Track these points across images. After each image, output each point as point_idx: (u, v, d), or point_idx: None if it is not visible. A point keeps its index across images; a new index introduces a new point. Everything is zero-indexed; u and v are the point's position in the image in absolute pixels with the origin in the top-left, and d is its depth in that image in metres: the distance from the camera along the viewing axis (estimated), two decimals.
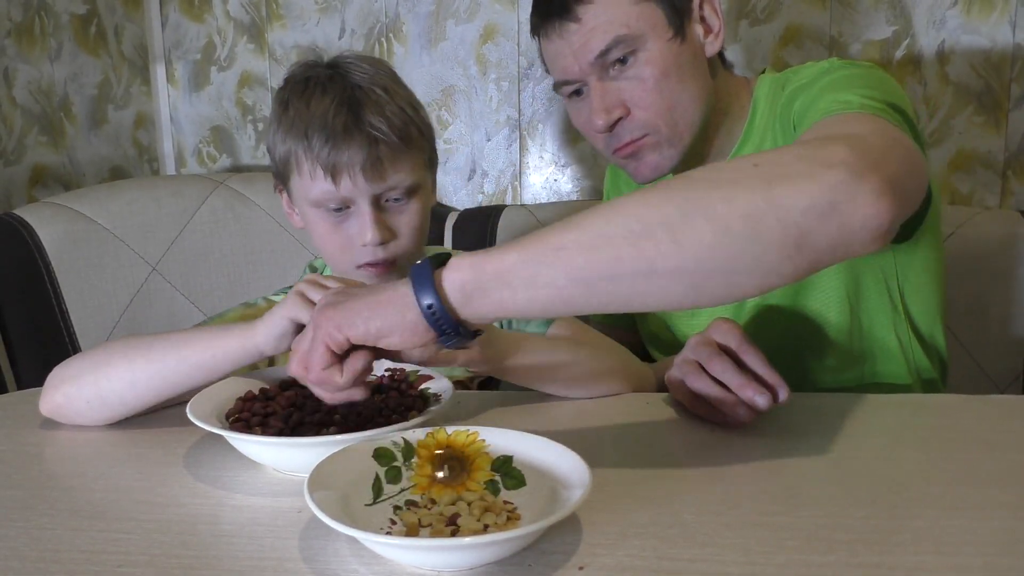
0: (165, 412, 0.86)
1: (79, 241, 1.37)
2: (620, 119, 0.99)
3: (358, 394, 0.68)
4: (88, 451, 0.79)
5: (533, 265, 0.61)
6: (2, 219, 1.34)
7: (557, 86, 1.03)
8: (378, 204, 0.92)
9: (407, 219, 0.94)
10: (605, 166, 1.65)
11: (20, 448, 0.80)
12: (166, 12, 1.75)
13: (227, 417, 0.77)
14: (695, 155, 1.04)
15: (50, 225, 1.35)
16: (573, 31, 0.97)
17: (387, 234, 0.93)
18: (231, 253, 1.50)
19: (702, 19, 1.01)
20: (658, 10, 0.97)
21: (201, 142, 1.80)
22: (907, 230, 0.91)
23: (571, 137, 1.65)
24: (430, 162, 0.99)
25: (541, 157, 1.68)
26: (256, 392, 0.81)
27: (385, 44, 1.68)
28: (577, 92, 1.02)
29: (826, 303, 1.00)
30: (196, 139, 1.80)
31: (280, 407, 0.77)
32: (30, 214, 1.35)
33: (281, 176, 0.97)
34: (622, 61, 0.97)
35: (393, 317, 0.64)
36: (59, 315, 1.34)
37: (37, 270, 1.33)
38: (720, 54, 1.06)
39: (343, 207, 0.92)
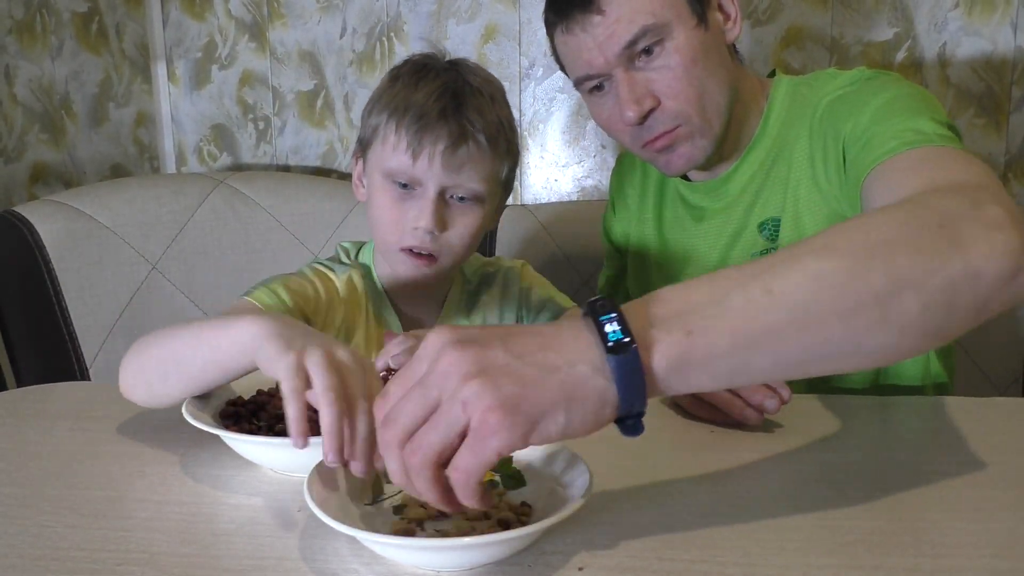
0: (163, 411, 0.86)
1: (79, 239, 1.37)
2: (651, 110, 0.97)
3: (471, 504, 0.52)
4: (88, 450, 0.79)
5: (745, 354, 0.53)
6: (2, 216, 1.34)
7: (579, 82, 1.01)
8: (443, 196, 0.93)
9: (463, 221, 0.95)
10: (605, 167, 1.65)
11: (20, 446, 0.80)
12: (167, 10, 1.75)
13: (221, 416, 0.77)
14: (718, 146, 1.03)
15: (50, 223, 1.35)
16: (597, 23, 0.95)
17: (441, 225, 0.93)
18: (231, 252, 1.50)
19: (719, 6, 1.01)
20: None
21: (202, 140, 1.80)
22: None
23: (572, 137, 1.65)
24: (505, 183, 1.00)
25: (542, 157, 1.68)
26: (247, 397, 0.81)
27: (386, 43, 1.68)
28: (599, 87, 1.00)
29: None
30: (197, 137, 1.80)
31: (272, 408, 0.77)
32: (30, 212, 1.35)
33: (364, 144, 0.98)
34: (647, 51, 0.95)
35: (590, 418, 0.51)
36: (59, 313, 1.34)
37: (37, 268, 1.33)
38: (733, 48, 1.06)
39: (411, 185, 0.93)
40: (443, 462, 0.50)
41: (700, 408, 0.82)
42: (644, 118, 0.97)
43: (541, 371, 0.50)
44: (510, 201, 1.68)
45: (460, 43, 1.65)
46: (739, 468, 0.73)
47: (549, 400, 0.49)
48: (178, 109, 1.79)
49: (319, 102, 1.73)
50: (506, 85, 1.64)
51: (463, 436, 0.49)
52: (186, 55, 1.77)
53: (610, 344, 0.50)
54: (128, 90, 1.71)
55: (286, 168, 1.77)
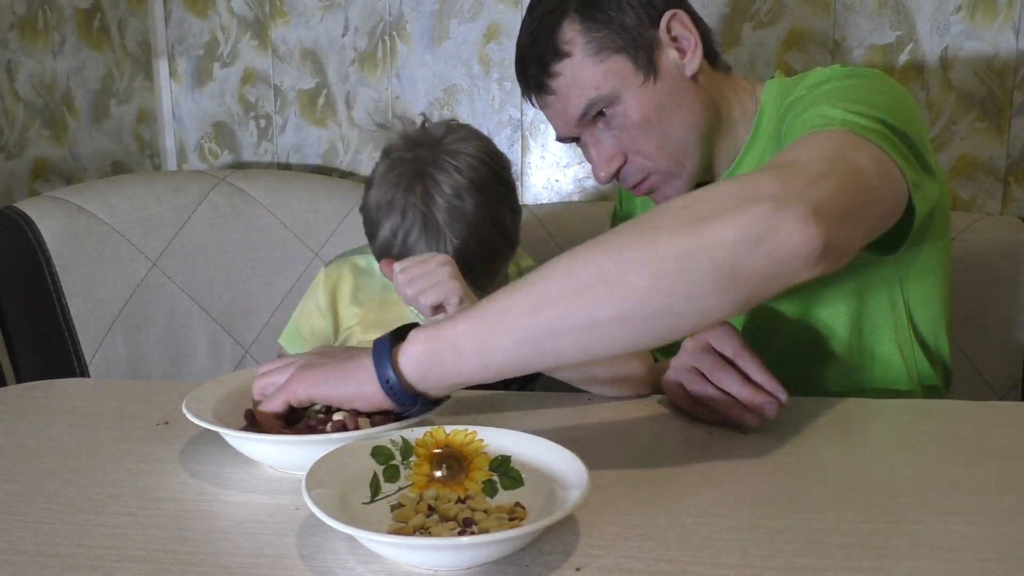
0: (162, 407, 0.86)
1: (80, 235, 1.37)
2: (620, 167, 1.02)
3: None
4: (86, 446, 0.79)
5: (481, 332, 0.65)
6: (3, 212, 1.34)
7: (559, 139, 1.08)
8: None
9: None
10: None
11: (18, 442, 0.80)
12: (169, 7, 1.75)
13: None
14: (704, 165, 1.04)
15: (51, 219, 1.35)
16: (551, 102, 1.02)
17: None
18: (231, 250, 1.50)
19: (674, 40, 1.00)
20: (623, 60, 0.98)
21: (203, 138, 1.80)
22: (894, 243, 0.85)
23: None
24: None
25: (543, 157, 1.68)
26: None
27: (388, 42, 1.68)
28: (577, 139, 1.05)
29: (833, 313, 0.99)
30: (198, 135, 1.80)
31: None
32: (31, 208, 1.35)
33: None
34: (603, 114, 1.00)
35: (355, 388, 0.69)
36: (59, 309, 1.34)
37: (37, 264, 1.33)
38: (713, 58, 1.05)
39: None
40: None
41: (699, 409, 0.82)
42: (616, 174, 1.03)
43: (334, 359, 0.72)
44: None
45: (462, 43, 1.65)
46: (737, 469, 0.73)
47: (332, 372, 0.70)
48: (179, 106, 1.79)
49: (320, 100, 1.73)
50: (507, 85, 1.65)
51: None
52: (188, 52, 1.77)
53: (378, 338, 0.69)
54: (130, 87, 1.71)
55: (287, 166, 1.77)
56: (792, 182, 0.65)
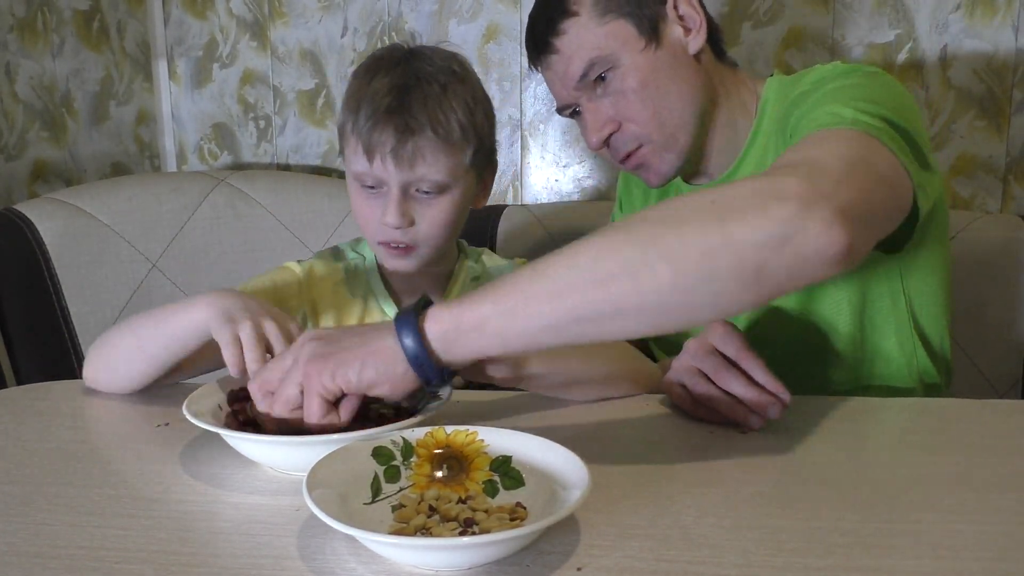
0: (163, 409, 0.86)
1: (79, 237, 1.37)
2: (612, 133, 1.02)
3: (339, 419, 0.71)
4: (87, 448, 0.79)
5: (506, 316, 0.65)
6: (3, 214, 1.34)
7: (559, 110, 1.09)
8: (407, 191, 0.95)
9: (431, 213, 0.96)
10: (606, 167, 1.65)
11: (19, 444, 0.80)
12: (169, 9, 1.75)
13: (230, 405, 0.78)
14: (698, 152, 1.05)
15: (51, 220, 1.35)
16: (554, 61, 1.03)
17: (407, 221, 0.95)
18: (231, 251, 1.50)
19: (680, 18, 1.02)
20: (627, 24, 1.00)
21: (202, 139, 1.80)
22: (897, 241, 0.89)
23: (572, 137, 1.65)
24: (475, 164, 0.99)
25: (542, 157, 1.68)
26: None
27: (387, 43, 1.68)
28: (576, 112, 1.06)
29: (835, 310, 0.99)
30: (197, 136, 1.80)
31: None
32: (31, 209, 1.35)
33: (340, 145, 1.02)
34: (603, 78, 1.01)
35: (383, 369, 0.67)
36: (59, 311, 1.34)
37: (37, 265, 1.33)
38: (718, 50, 1.06)
39: (377, 185, 0.95)
40: (295, 405, 0.70)
41: (700, 410, 0.82)
42: (607, 141, 1.03)
43: (353, 337, 0.70)
44: (510, 200, 1.69)
45: (461, 43, 1.65)
46: (738, 468, 0.73)
47: (351, 355, 0.68)
48: (179, 107, 1.79)
49: (320, 101, 1.73)
50: (507, 85, 1.65)
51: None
52: (187, 53, 1.77)
53: (398, 314, 0.68)
54: (129, 88, 1.71)
55: (286, 167, 1.77)
56: (819, 183, 0.65)
